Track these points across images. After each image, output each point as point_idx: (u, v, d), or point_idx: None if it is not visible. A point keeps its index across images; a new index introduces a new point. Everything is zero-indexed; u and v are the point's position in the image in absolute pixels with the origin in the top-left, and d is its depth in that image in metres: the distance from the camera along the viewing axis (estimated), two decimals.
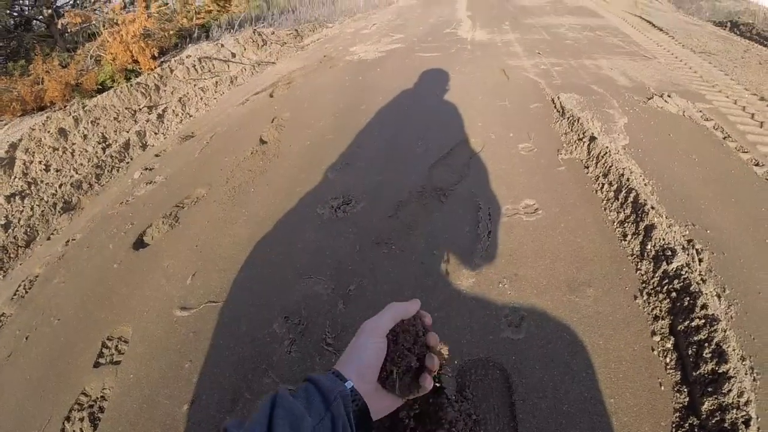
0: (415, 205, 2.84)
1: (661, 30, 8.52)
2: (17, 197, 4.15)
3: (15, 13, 8.13)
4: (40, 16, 8.44)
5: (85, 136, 5.14)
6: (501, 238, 2.51)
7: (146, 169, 4.39)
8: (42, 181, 4.43)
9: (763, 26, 11.28)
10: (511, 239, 2.50)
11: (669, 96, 4.40)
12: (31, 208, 4.03)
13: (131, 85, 6.28)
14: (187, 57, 7.66)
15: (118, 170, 4.66)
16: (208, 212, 3.27)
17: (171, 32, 9.16)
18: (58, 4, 8.69)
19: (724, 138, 3.76)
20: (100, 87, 7.12)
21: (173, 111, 5.89)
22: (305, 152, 3.93)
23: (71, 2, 9.17)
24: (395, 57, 6.60)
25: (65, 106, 6.53)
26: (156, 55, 7.69)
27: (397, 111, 4.51)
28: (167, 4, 9.36)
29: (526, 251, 2.41)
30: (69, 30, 7.77)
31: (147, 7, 8.17)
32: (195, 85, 6.77)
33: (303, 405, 0.64)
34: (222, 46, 8.27)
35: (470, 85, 4.96)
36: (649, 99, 4.39)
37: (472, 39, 7.28)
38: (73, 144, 5.01)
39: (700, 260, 2.34)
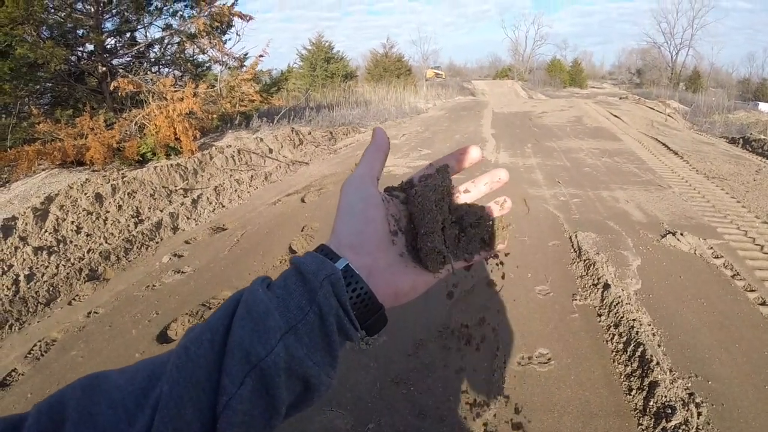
0: (434, 345, 3.03)
1: (675, 153, 8.88)
2: (44, 252, 4.36)
3: (72, 60, 8.69)
4: (94, 71, 9.07)
5: (119, 207, 5.45)
6: (514, 389, 2.67)
7: (175, 255, 4.63)
8: (71, 242, 4.66)
9: None
10: (523, 390, 2.64)
11: (681, 234, 4.61)
12: (57, 267, 4.23)
13: (171, 165, 6.72)
14: (227, 146, 8.19)
15: (147, 248, 4.90)
16: None
17: (214, 115, 9.79)
18: (113, 62, 9.36)
19: (733, 276, 3.92)
20: (140, 158, 7.61)
21: (207, 199, 6.26)
22: None
23: (125, 62, 9.85)
24: None
25: (104, 168, 6.99)
26: (197, 136, 8.18)
27: None
28: (214, 86, 10.00)
29: (536, 404, 2.55)
30: (119, 92, 8.32)
31: (196, 86, 8.80)
32: (231, 176, 7.21)
33: (280, 298, 0.48)
34: (261, 140, 8.84)
35: None
36: (662, 237, 4.61)
37: (495, 161, 7.72)
38: (107, 212, 5.29)
39: (699, 414, 2.44)
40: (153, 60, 10.65)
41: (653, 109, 20.41)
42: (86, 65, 9.03)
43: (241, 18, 10.99)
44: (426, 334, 3.12)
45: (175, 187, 6.43)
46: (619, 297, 3.35)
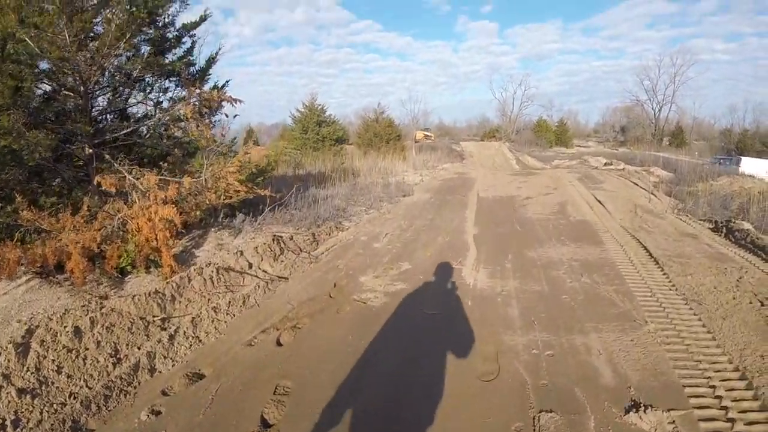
0: None
1: (656, 263, 8.92)
2: (28, 395, 4.37)
3: (59, 139, 8.60)
4: (81, 154, 9.09)
5: (98, 343, 5.44)
6: None
7: (152, 411, 4.60)
8: (53, 383, 4.67)
9: (757, 230, 11.75)
10: None
11: (645, 411, 4.53)
12: (41, 412, 4.23)
13: (148, 294, 6.74)
14: (206, 265, 8.18)
15: (125, 395, 4.88)
16: None
17: (197, 212, 9.74)
18: (99, 142, 9.33)
19: None
20: (119, 273, 7.73)
21: (184, 333, 6.22)
22: None
23: (112, 143, 9.81)
24: (401, 308, 6.95)
25: (84, 283, 7.11)
26: (177, 233, 8.15)
27: (386, 411, 4.69)
28: (199, 176, 9.98)
29: None
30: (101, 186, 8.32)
31: (178, 185, 8.73)
32: (209, 302, 7.21)
33: None
34: (241, 253, 8.86)
35: (460, 378, 5.16)
36: (626, 412, 4.53)
37: (473, 286, 7.66)
38: (86, 348, 5.29)
39: None
40: (139, 142, 10.62)
41: (637, 184, 20.70)
42: (71, 148, 9.11)
43: (231, 102, 11.15)
44: None
45: (153, 317, 6.44)
46: None
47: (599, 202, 15.73)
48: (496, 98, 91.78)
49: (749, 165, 39.56)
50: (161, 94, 11.52)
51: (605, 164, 34.05)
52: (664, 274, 8.35)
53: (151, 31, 10.58)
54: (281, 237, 9.90)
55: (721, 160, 46.89)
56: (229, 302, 7.20)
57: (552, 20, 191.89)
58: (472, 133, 73.91)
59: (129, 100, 10.78)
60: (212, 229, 10.78)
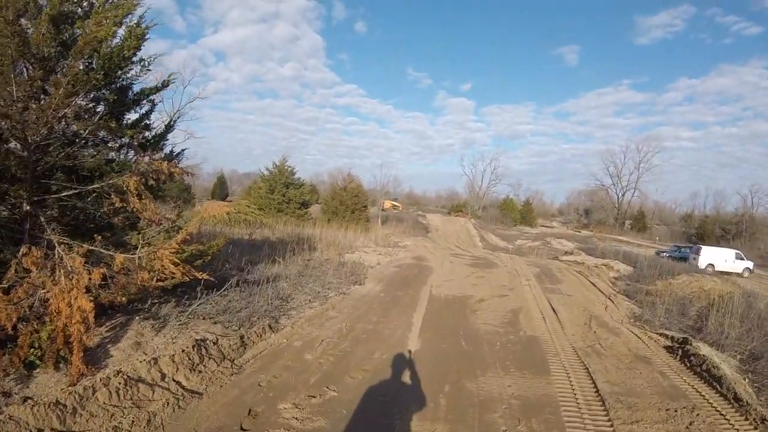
0: None
1: (602, 404, 8.33)
2: None
3: None
4: (17, 210, 8.36)
5: None
6: None
7: None
8: None
9: (715, 348, 11.42)
10: None
11: None
12: None
13: (48, 405, 6.07)
14: (115, 375, 7.29)
15: None
16: None
17: (124, 298, 8.79)
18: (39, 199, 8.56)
19: None
20: (25, 367, 7.03)
21: None
22: None
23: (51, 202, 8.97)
24: None
25: None
26: (95, 319, 7.35)
27: None
28: (134, 253, 9.11)
29: None
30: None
31: (107, 266, 7.93)
32: (111, 418, 6.39)
33: None
34: (155, 362, 7.99)
35: None
36: None
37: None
38: None
39: None
40: (80, 206, 9.78)
41: (595, 285, 20.48)
42: (10, 202, 8.39)
43: (181, 175, 10.42)
44: None
45: (51, 430, 5.83)
46: None
47: (553, 309, 15.29)
48: (466, 174, 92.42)
49: (709, 255, 40.29)
50: (113, 152, 10.91)
51: (565, 253, 34.26)
52: (609, 421, 7.73)
53: (106, 93, 10.05)
54: (205, 340, 9.04)
55: (681, 249, 47.48)
56: (133, 421, 6.38)
57: (526, 103, 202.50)
58: (440, 204, 75.32)
59: (77, 156, 10.02)
60: (137, 317, 9.88)
